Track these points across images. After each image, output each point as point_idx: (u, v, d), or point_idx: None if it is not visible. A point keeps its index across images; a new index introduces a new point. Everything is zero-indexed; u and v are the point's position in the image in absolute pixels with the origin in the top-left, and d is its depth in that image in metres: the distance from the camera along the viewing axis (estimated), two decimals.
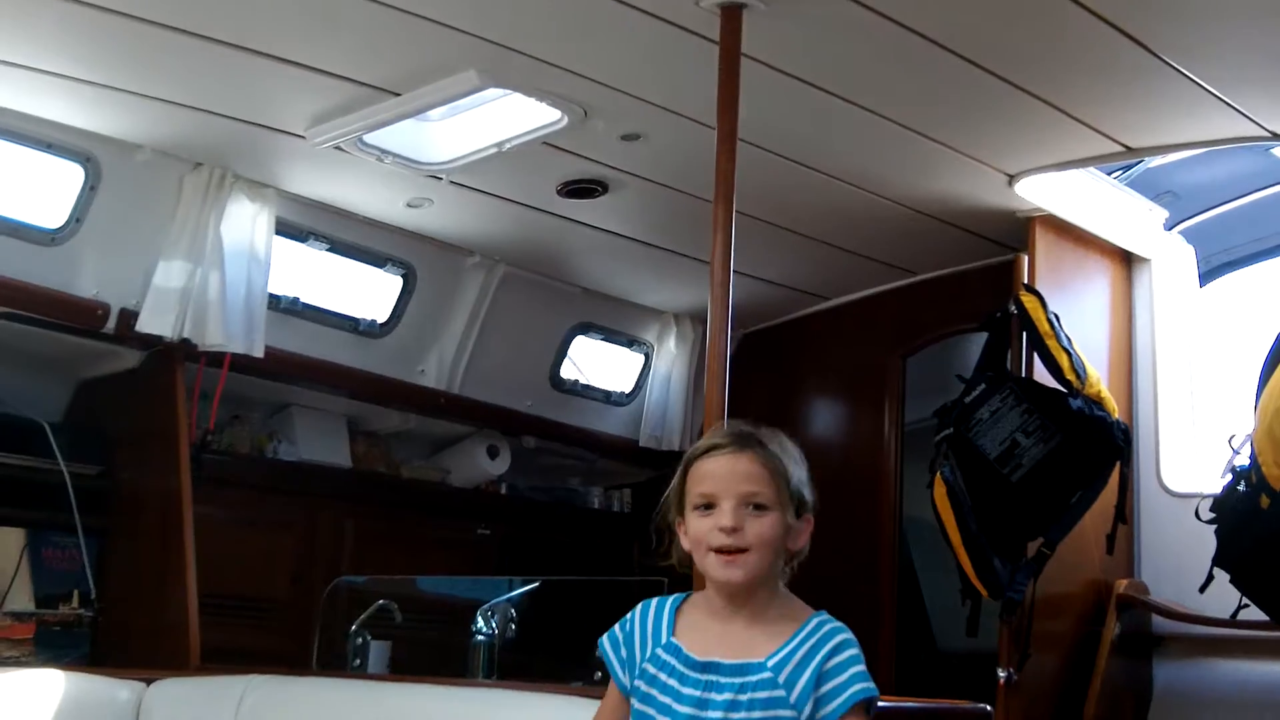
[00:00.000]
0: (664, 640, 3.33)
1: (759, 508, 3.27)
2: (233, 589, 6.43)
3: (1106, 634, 6.21)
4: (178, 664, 5.61)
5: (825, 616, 3.33)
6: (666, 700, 3.23)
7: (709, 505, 3.28)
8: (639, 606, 3.46)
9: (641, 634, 3.38)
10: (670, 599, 3.44)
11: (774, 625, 3.28)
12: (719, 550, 3.24)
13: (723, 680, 3.20)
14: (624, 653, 3.38)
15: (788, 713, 3.15)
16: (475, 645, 5.93)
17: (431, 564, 7.37)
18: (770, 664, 3.19)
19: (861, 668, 3.21)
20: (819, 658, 3.19)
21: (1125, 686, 6.27)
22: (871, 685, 3.19)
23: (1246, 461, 5.18)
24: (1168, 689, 6.35)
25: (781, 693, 3.16)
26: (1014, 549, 5.78)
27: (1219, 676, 6.25)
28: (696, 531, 3.29)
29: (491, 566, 7.58)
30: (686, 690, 3.21)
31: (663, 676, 3.26)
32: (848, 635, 3.27)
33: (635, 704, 3.30)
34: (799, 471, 3.40)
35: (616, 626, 3.44)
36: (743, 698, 3.17)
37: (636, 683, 3.31)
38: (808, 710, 3.15)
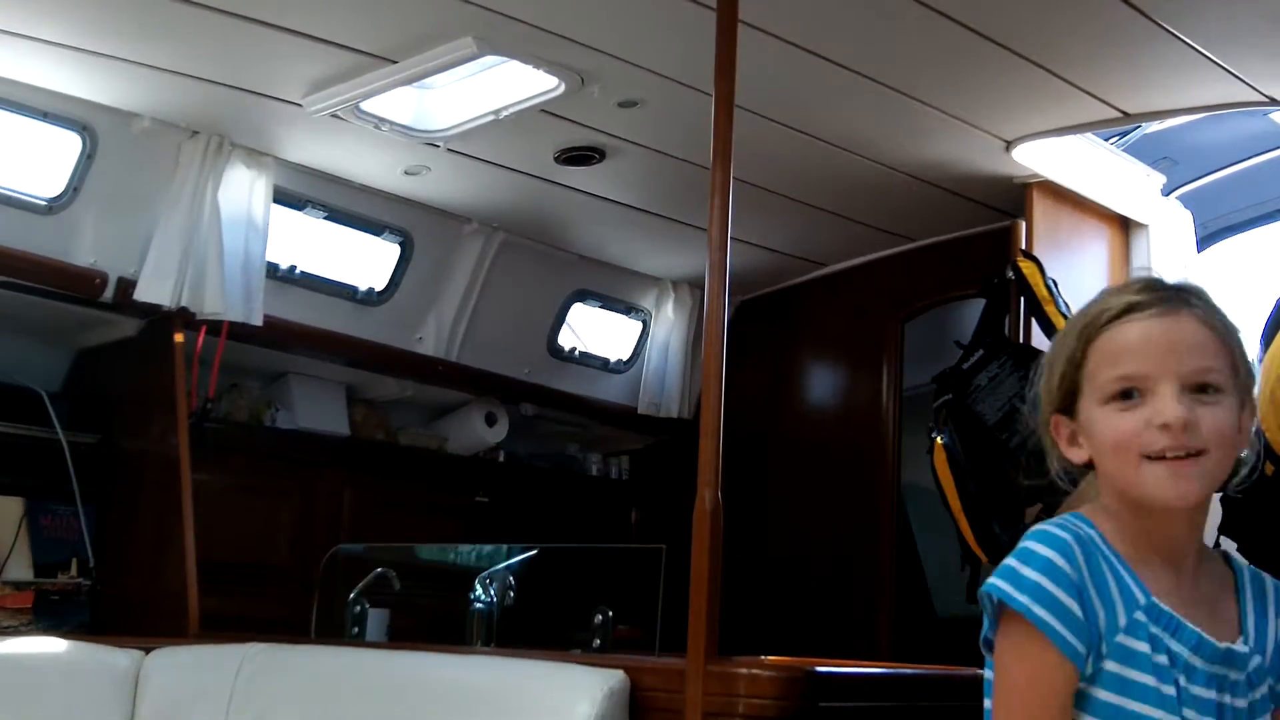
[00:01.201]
0: (1142, 600, 2.32)
1: (1210, 390, 2.32)
2: (231, 557, 6.43)
3: None
4: (176, 632, 5.62)
5: (1237, 556, 2.48)
6: (1170, 690, 2.28)
7: (1131, 392, 2.32)
8: (1067, 543, 2.33)
9: (1101, 588, 2.32)
10: (1085, 524, 2.39)
11: (1219, 573, 2.46)
12: (1161, 456, 2.29)
13: (1234, 676, 2.33)
14: (1079, 611, 2.28)
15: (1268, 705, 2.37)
16: (474, 613, 5.94)
17: (430, 531, 7.39)
18: (1253, 644, 2.38)
19: None
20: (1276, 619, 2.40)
21: None
22: None
23: None
24: None
25: (1271, 685, 2.38)
26: (1013, 514, 5.79)
27: None
28: (1115, 431, 2.33)
29: (490, 534, 7.59)
30: (1199, 690, 2.29)
31: (1160, 659, 2.29)
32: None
33: (1104, 695, 2.30)
34: (1241, 341, 2.45)
35: (1047, 582, 2.29)
36: (1257, 697, 2.35)
37: (1107, 665, 2.30)
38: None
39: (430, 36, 5.10)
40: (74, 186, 5.81)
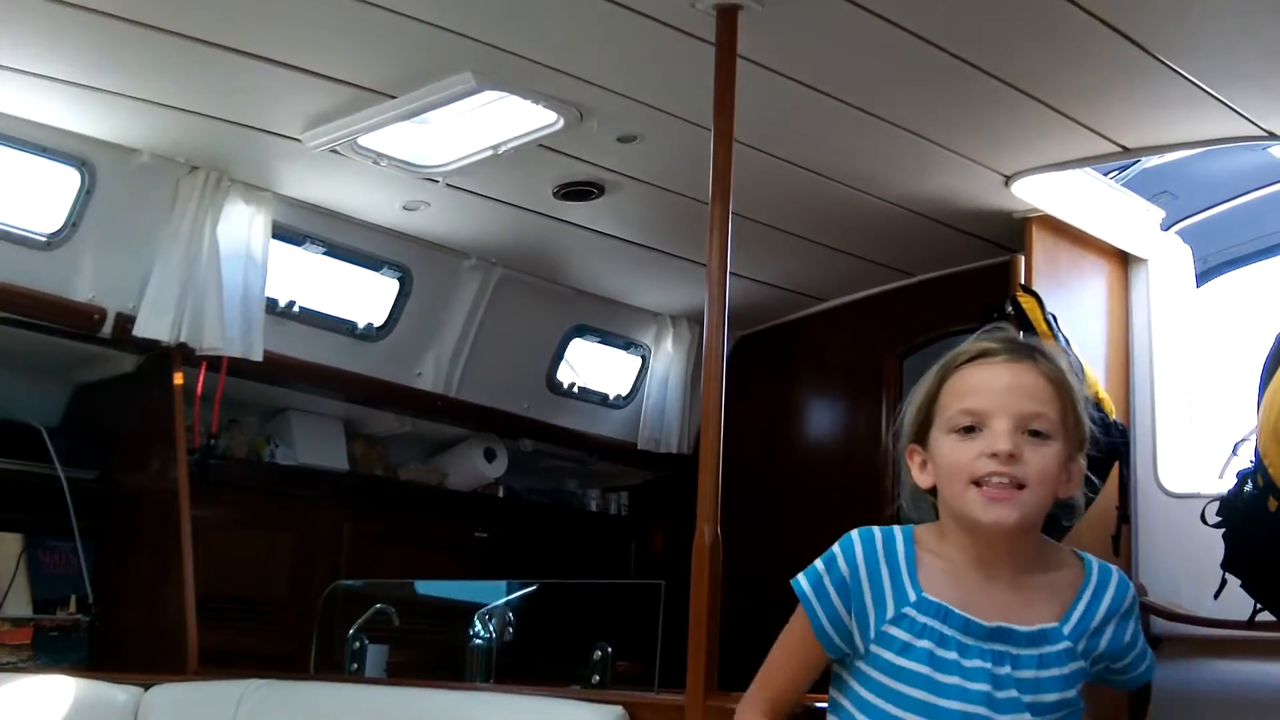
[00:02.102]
0: (912, 596, 2.74)
1: (1039, 435, 2.67)
2: (231, 592, 6.43)
3: None
4: (176, 668, 5.60)
5: (1103, 562, 2.82)
6: (947, 679, 2.67)
7: (973, 427, 2.69)
8: (856, 544, 2.85)
9: (874, 585, 2.78)
10: (898, 535, 2.84)
11: (1050, 575, 2.78)
12: (985, 482, 2.66)
13: (1018, 652, 2.70)
14: (842, 609, 2.79)
15: (1079, 685, 2.74)
16: (473, 648, 5.92)
17: (429, 567, 7.37)
18: (1067, 630, 2.73)
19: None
20: (1115, 623, 2.77)
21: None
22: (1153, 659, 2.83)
23: (1249, 463, 5.17)
24: (1166, 689, 6.33)
25: (1082, 664, 2.73)
26: None
27: (1218, 677, 6.24)
28: (952, 459, 2.72)
29: (489, 569, 7.58)
30: (971, 663, 2.67)
31: (926, 644, 2.70)
32: (1132, 589, 2.81)
33: (871, 672, 2.75)
34: (1082, 391, 2.78)
35: (822, 570, 2.83)
36: (1045, 675, 2.70)
37: (873, 649, 2.75)
38: (1097, 669, 2.78)
39: (429, 71, 5.10)
40: (73, 222, 5.81)
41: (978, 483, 2.66)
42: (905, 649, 2.71)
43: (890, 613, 2.74)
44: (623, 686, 5.27)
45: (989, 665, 2.67)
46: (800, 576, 2.86)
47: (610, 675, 5.47)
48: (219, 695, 4.98)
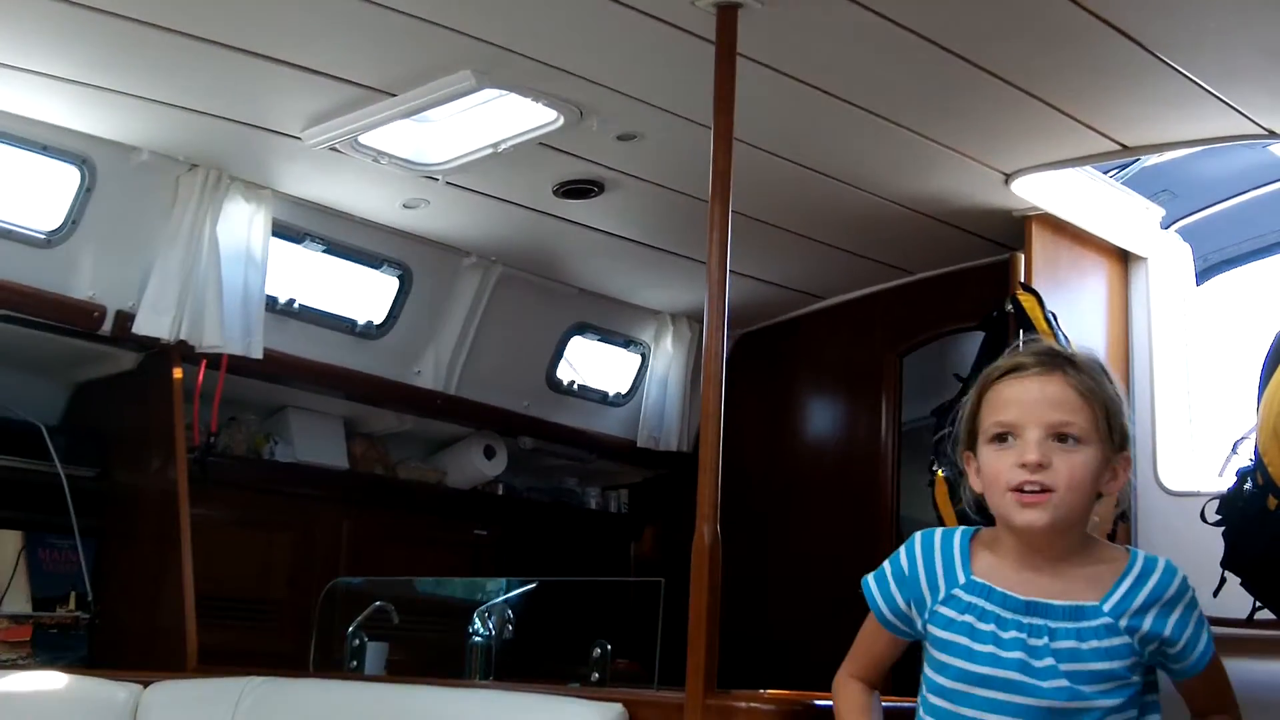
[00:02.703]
0: (962, 580, 3.04)
1: (1069, 440, 2.91)
2: (230, 590, 6.44)
3: None
4: (175, 666, 5.60)
5: (1154, 555, 3.03)
6: (985, 648, 2.94)
7: (1007, 436, 2.95)
8: (917, 541, 3.15)
9: (929, 574, 3.09)
10: (958, 533, 3.12)
11: (1092, 568, 2.99)
12: (1019, 489, 2.90)
13: (1055, 625, 2.92)
14: (899, 598, 3.13)
15: (1129, 661, 2.93)
16: (472, 646, 5.92)
17: (429, 565, 7.38)
18: (1106, 608, 2.93)
19: (1200, 613, 3.00)
20: (1160, 607, 2.95)
21: None
22: (1210, 640, 3.03)
23: (1248, 462, 5.17)
24: (1166, 688, 6.33)
25: (1126, 640, 2.92)
26: None
27: None
28: (992, 467, 2.97)
29: (489, 567, 7.59)
30: (1009, 634, 2.93)
31: (969, 619, 2.98)
32: (1184, 575, 3.02)
33: (932, 650, 3.05)
34: (1116, 394, 3.02)
35: (887, 567, 3.17)
36: (1084, 646, 2.90)
37: (930, 629, 3.05)
38: (1146, 655, 2.95)
39: (429, 70, 5.10)
40: (72, 219, 5.81)
41: (1015, 489, 2.91)
42: (949, 624, 3.01)
43: (942, 594, 3.05)
44: (622, 685, 5.27)
45: (1025, 636, 2.92)
46: (869, 577, 3.23)
47: (610, 673, 5.47)
48: (218, 693, 4.98)
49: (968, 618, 2.99)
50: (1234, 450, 5.37)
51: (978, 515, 3.13)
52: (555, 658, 6.21)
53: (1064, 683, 2.89)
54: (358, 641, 5.94)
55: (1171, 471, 6.55)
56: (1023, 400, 2.95)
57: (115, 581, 6.13)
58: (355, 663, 5.94)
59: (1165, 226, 6.72)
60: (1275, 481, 4.97)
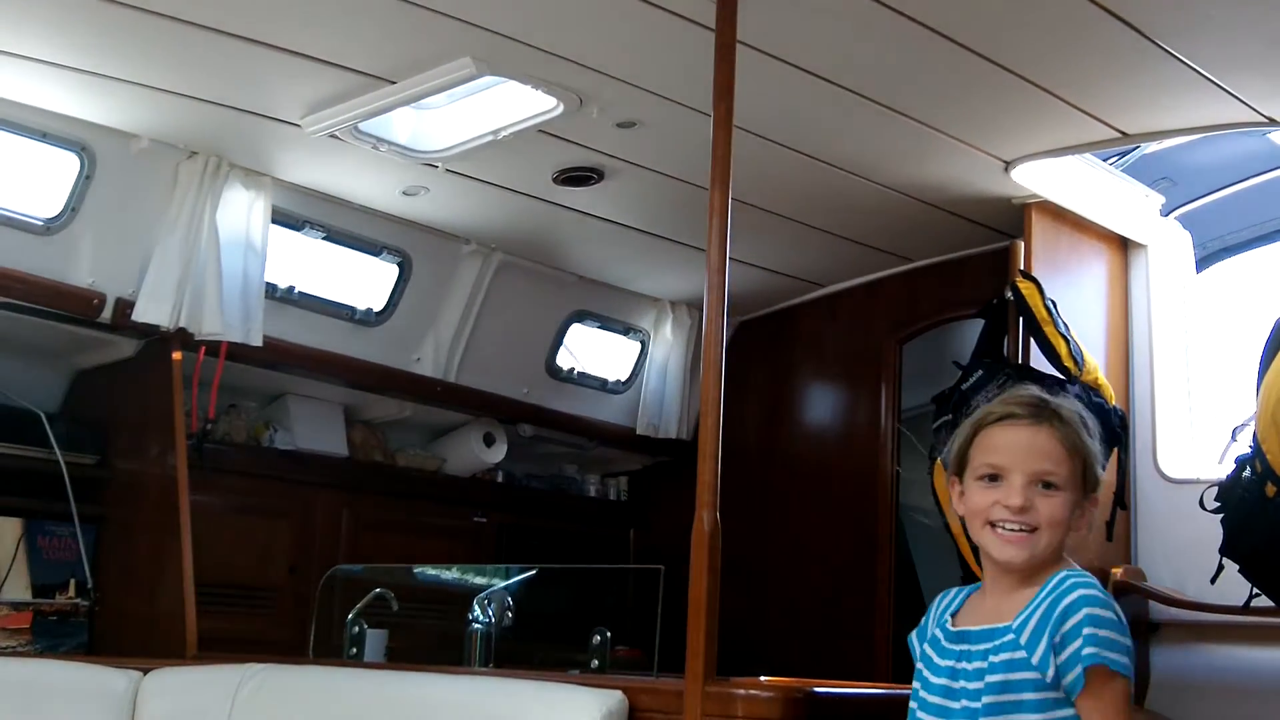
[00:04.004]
0: (942, 620, 3.30)
1: (1050, 486, 3.14)
2: (229, 578, 6.45)
3: None
4: (174, 653, 5.61)
5: (1072, 571, 3.15)
6: (926, 673, 3.25)
7: (995, 477, 3.17)
8: (937, 596, 3.43)
9: (927, 620, 3.37)
10: (969, 589, 3.38)
11: (1028, 589, 3.16)
12: (995, 525, 3.15)
13: (973, 648, 3.16)
14: (915, 638, 3.39)
15: (1030, 675, 3.04)
16: (472, 633, 5.92)
17: (428, 552, 7.38)
18: (1014, 625, 3.10)
19: (1097, 631, 3.00)
20: (1055, 616, 3.05)
21: None
22: (1107, 653, 2.99)
23: (1247, 449, 5.17)
24: (1165, 674, 6.35)
25: (1022, 654, 3.07)
26: None
27: (1216, 662, 6.25)
28: (977, 503, 3.20)
29: (488, 554, 7.59)
30: (943, 662, 3.21)
31: (929, 650, 3.27)
32: (1087, 591, 3.07)
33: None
34: (1094, 446, 3.23)
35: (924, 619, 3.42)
36: (985, 664, 3.11)
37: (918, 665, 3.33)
38: (1050, 674, 3.02)
39: (429, 57, 5.10)
40: (72, 207, 5.81)
41: (992, 524, 3.15)
42: (921, 657, 3.30)
43: (929, 634, 3.31)
44: (622, 671, 5.28)
45: (952, 663, 3.19)
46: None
47: (609, 660, 5.47)
48: (218, 680, 4.99)
49: (929, 649, 3.28)
50: (1233, 437, 5.38)
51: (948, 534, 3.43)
52: (555, 644, 6.22)
53: (974, 702, 3.11)
54: (357, 629, 5.94)
55: (1171, 459, 6.57)
56: (1014, 448, 3.17)
57: (115, 569, 6.13)
58: (355, 650, 5.94)
59: (1165, 214, 6.73)
60: (1274, 469, 4.98)
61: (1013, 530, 3.13)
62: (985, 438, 3.23)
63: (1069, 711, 3.04)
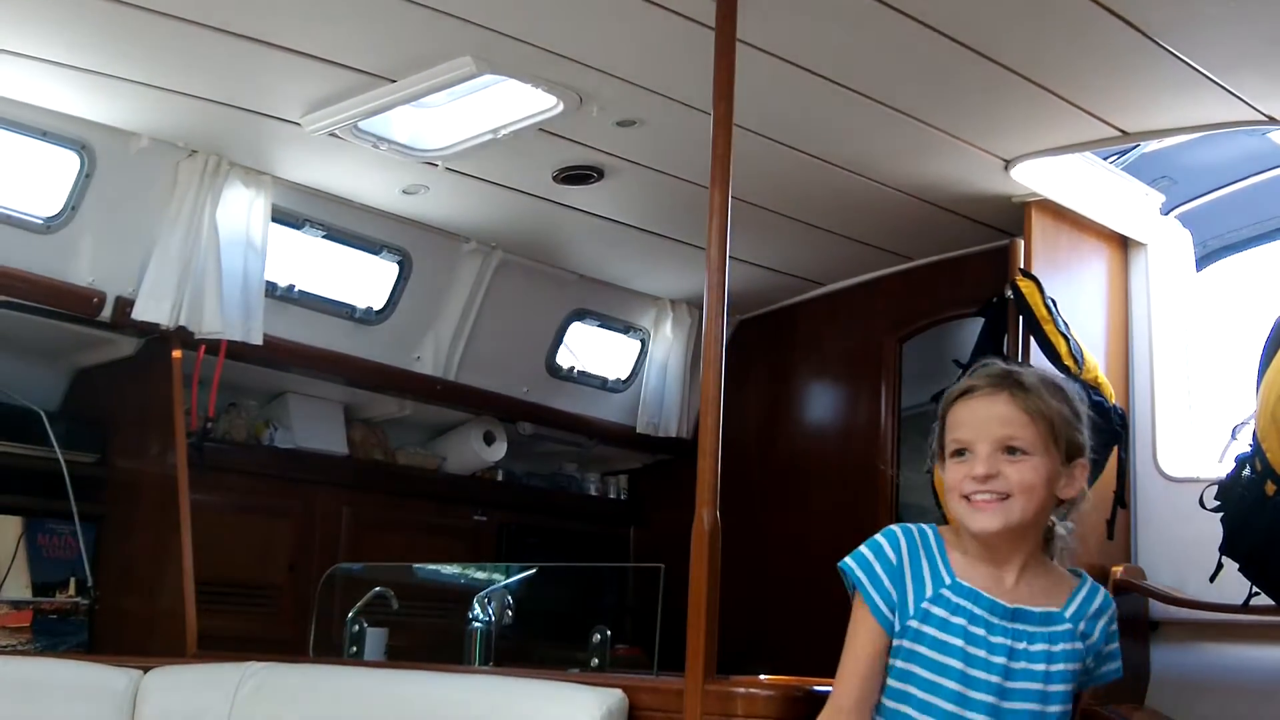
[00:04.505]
0: (948, 580, 3.19)
1: (1016, 451, 3.13)
2: (229, 576, 6.45)
3: None
4: (174, 651, 5.61)
5: (1089, 580, 3.30)
6: (974, 650, 3.11)
7: (963, 452, 3.19)
8: (898, 534, 3.29)
9: (914, 569, 3.22)
10: (930, 531, 3.30)
11: (1050, 576, 3.23)
12: (971, 498, 3.14)
13: (1032, 629, 3.14)
14: (891, 589, 3.20)
15: (1077, 665, 3.16)
16: (472, 632, 5.92)
17: (428, 551, 7.39)
18: (1068, 614, 3.18)
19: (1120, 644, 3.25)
20: (1103, 620, 3.22)
21: (1123, 671, 6.27)
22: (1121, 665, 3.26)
23: (1247, 448, 5.17)
24: (1165, 673, 6.35)
25: (1079, 645, 3.17)
26: None
27: (1216, 661, 6.25)
28: (949, 479, 3.22)
29: (488, 553, 7.59)
30: (997, 639, 3.12)
31: (961, 621, 3.13)
32: (1114, 604, 3.30)
33: (911, 646, 3.16)
34: (1065, 411, 3.21)
35: (870, 555, 3.27)
36: (1055, 649, 3.13)
37: (911, 623, 3.16)
38: (1084, 666, 3.19)
39: (429, 55, 5.10)
40: (72, 205, 5.81)
41: (967, 498, 3.15)
42: (944, 625, 3.13)
43: (929, 592, 3.17)
44: (622, 670, 5.28)
45: (1009, 641, 3.11)
46: (849, 561, 3.30)
47: (609, 659, 5.47)
48: (218, 678, 4.98)
49: (960, 620, 3.13)
50: (1233, 436, 5.37)
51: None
52: (555, 643, 6.22)
53: (1038, 685, 3.12)
54: (357, 627, 5.94)
55: (1171, 457, 6.57)
56: (974, 419, 3.19)
57: (115, 567, 6.13)
58: (355, 648, 5.94)
59: (1165, 212, 6.73)
60: (1273, 467, 4.97)
61: (983, 498, 3.13)
62: (950, 415, 3.26)
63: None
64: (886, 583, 3.20)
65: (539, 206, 6.55)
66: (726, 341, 4.17)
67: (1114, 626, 3.26)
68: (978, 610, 3.13)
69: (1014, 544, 3.18)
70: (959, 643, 3.11)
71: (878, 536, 3.30)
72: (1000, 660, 3.09)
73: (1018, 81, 5.15)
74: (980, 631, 3.12)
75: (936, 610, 3.15)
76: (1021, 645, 3.12)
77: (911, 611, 3.16)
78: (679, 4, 4.62)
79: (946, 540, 3.27)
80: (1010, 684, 3.10)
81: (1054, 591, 3.21)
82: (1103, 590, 3.27)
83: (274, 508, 6.84)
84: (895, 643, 3.18)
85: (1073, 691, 3.18)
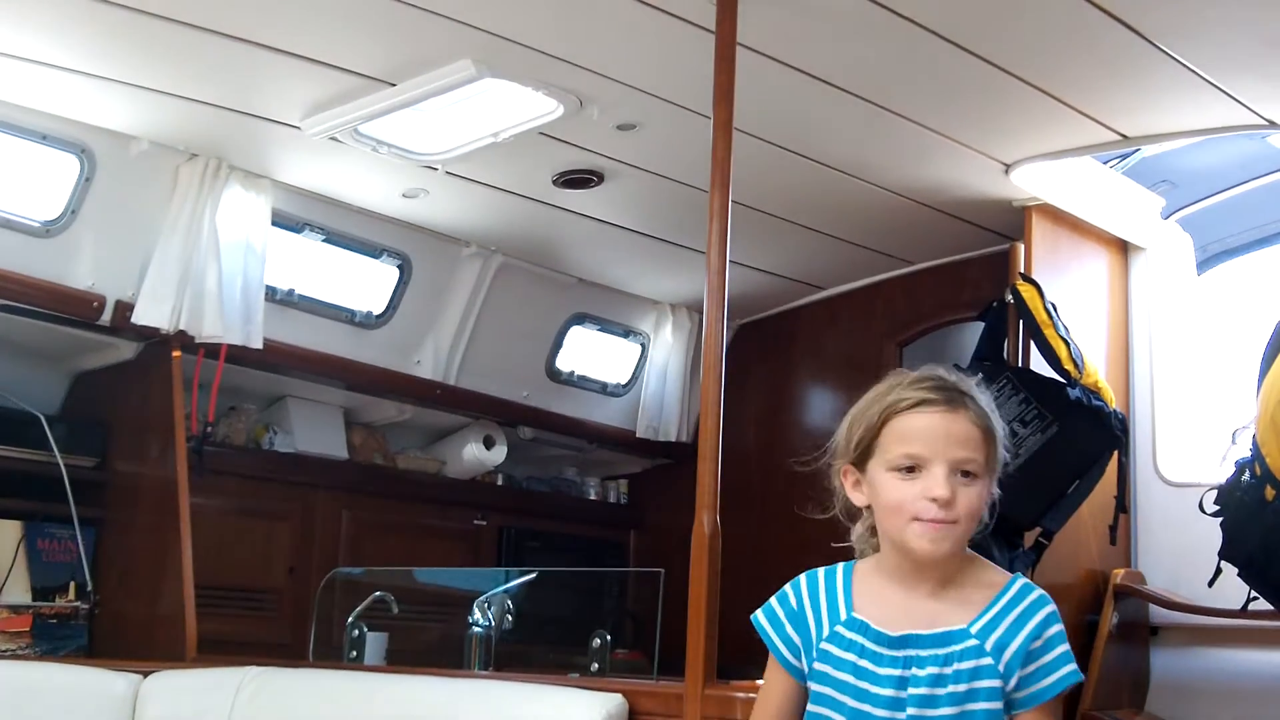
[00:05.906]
0: (844, 616, 3.07)
1: (968, 475, 2.96)
2: (229, 580, 6.45)
3: (1104, 623, 6.20)
4: (174, 655, 5.61)
5: (1018, 575, 3.08)
6: (862, 684, 2.96)
7: (914, 468, 2.98)
8: (802, 580, 3.20)
9: (815, 611, 3.11)
10: (839, 569, 3.20)
11: (967, 590, 3.03)
12: (922, 518, 2.95)
13: (923, 654, 2.96)
14: (794, 634, 3.11)
15: (993, 683, 2.91)
16: (472, 636, 5.92)
17: (428, 555, 7.38)
18: (974, 630, 2.95)
19: (1067, 646, 2.96)
20: (1028, 628, 2.95)
21: (1123, 675, 6.27)
22: (1076, 669, 2.96)
23: (1247, 453, 5.16)
24: (1165, 677, 6.35)
25: (988, 661, 2.93)
26: (1012, 538, 5.78)
27: (1215, 665, 6.26)
28: (895, 496, 3.00)
29: (488, 557, 7.59)
30: (884, 670, 2.96)
31: (851, 656, 3.00)
32: (1051, 605, 3.00)
33: (815, 687, 3.04)
34: (1002, 428, 3.08)
35: (775, 604, 3.17)
36: (948, 670, 2.93)
37: (816, 665, 3.04)
38: (1013, 682, 2.92)
39: (429, 59, 5.10)
40: (72, 209, 5.80)
41: (918, 519, 2.95)
42: (838, 662, 3.02)
43: (826, 631, 3.06)
44: (622, 674, 5.28)
45: (898, 671, 2.96)
46: (758, 613, 3.19)
47: (609, 663, 5.47)
48: (217, 683, 4.99)
49: (850, 655, 3.02)
50: (1233, 441, 5.36)
51: (848, 522, 3.30)
52: (555, 647, 6.22)
53: (943, 709, 2.94)
54: (357, 631, 5.94)
55: (1171, 462, 6.57)
56: (932, 435, 3.00)
57: (114, 571, 6.12)
58: (355, 653, 5.94)
59: (1165, 217, 6.73)
60: (1273, 472, 4.96)
61: (938, 523, 2.94)
62: (899, 424, 3.06)
63: None
64: (789, 629, 3.12)
65: (539, 210, 6.55)
66: (726, 346, 4.18)
67: (1050, 630, 2.97)
68: (866, 643, 3.00)
69: (941, 565, 3.03)
70: (849, 678, 3.00)
71: (786, 585, 3.24)
72: (888, 692, 2.95)
73: (1018, 85, 5.15)
74: (867, 664, 2.99)
75: (832, 649, 3.04)
76: (911, 672, 2.95)
77: (815, 654, 3.06)
78: (679, 8, 4.62)
79: (858, 573, 3.16)
80: (908, 712, 2.93)
81: (969, 605, 3.01)
82: (1032, 595, 3.02)
83: (274, 511, 6.83)
84: (808, 686, 3.09)
85: (998, 710, 2.94)
